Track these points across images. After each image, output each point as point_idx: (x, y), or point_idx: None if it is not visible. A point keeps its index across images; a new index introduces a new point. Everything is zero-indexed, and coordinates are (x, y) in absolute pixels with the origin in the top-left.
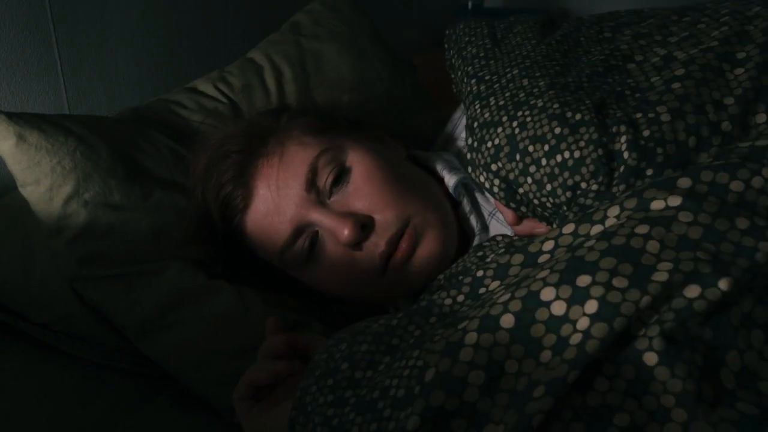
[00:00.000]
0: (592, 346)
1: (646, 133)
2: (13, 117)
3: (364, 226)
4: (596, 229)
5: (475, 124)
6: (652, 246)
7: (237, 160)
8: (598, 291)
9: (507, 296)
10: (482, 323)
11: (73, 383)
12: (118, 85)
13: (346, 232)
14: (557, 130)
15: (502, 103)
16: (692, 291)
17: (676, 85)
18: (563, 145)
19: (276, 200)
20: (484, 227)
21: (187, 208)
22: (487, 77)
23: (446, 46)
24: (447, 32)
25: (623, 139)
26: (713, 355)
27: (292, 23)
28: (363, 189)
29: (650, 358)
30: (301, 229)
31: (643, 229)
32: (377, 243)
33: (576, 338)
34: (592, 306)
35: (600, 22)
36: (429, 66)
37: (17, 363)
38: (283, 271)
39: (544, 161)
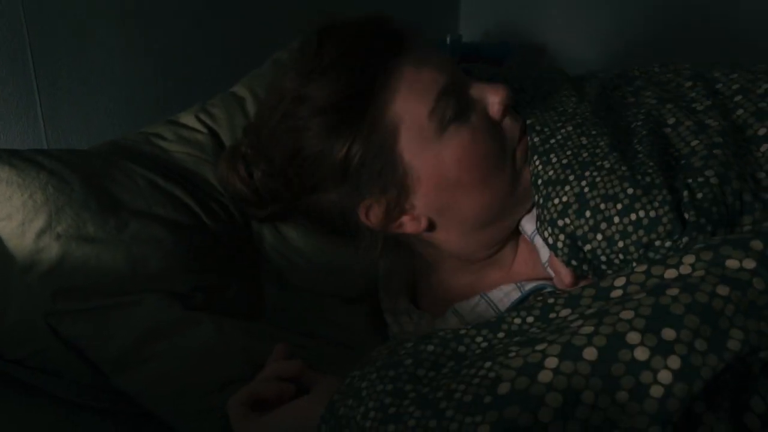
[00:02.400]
0: (673, 406)
1: (699, 195)
2: None
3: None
4: (671, 273)
5: (539, 181)
6: (729, 309)
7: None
8: (682, 349)
9: (591, 329)
10: (564, 350)
11: (48, 424)
12: (98, 124)
13: (503, 90)
14: (629, 191)
15: (565, 161)
16: (755, 367)
17: (717, 152)
18: (637, 205)
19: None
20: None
21: (165, 237)
22: (537, 127)
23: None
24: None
25: (685, 199)
26: (738, 400)
27: (274, 59)
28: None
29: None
30: (449, 91)
31: (723, 291)
32: (514, 125)
33: (657, 391)
34: (674, 362)
35: (618, 86)
36: None
37: None
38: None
39: (616, 219)
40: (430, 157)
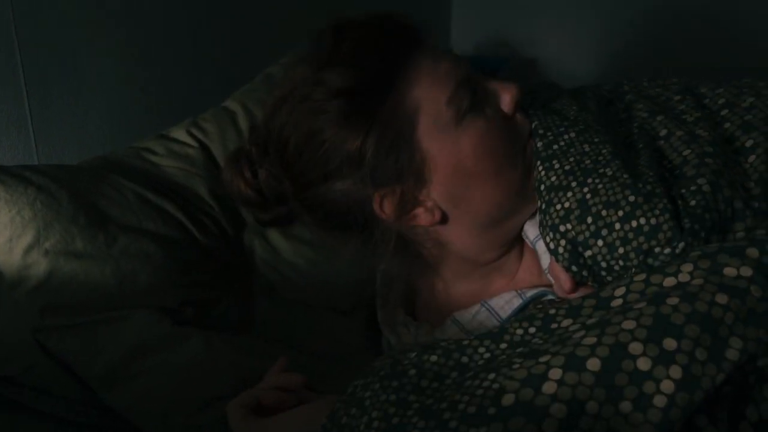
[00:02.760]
0: (676, 415)
1: (692, 202)
2: None
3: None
4: (669, 281)
5: (542, 187)
6: (729, 317)
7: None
8: (683, 359)
9: (593, 339)
10: (568, 361)
11: None
12: (90, 139)
13: (514, 87)
14: (631, 198)
15: (568, 168)
16: (752, 376)
17: (708, 160)
18: (638, 212)
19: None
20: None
21: (155, 252)
22: (540, 131)
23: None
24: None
25: (680, 207)
26: (736, 409)
27: (265, 74)
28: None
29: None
30: (466, 82)
31: (722, 299)
32: (524, 122)
33: (660, 401)
34: (676, 372)
35: (611, 101)
36: None
37: None
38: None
39: (617, 225)
40: (448, 144)
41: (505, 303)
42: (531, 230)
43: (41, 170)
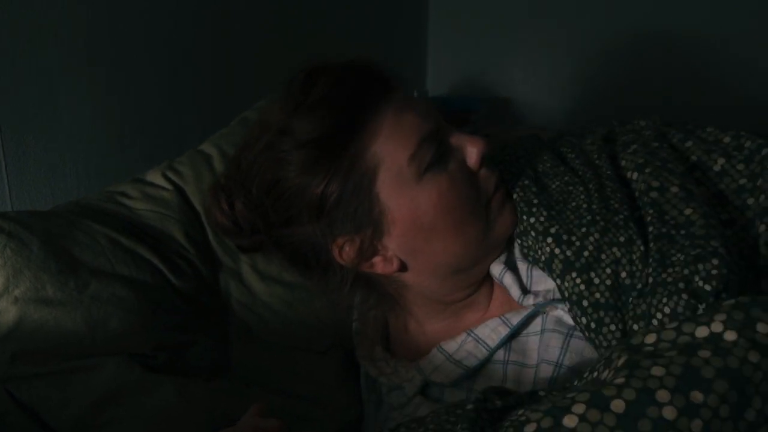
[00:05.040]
0: None
1: (715, 262)
2: None
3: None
4: (702, 331)
5: (585, 303)
6: (757, 376)
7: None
8: (706, 414)
9: (622, 380)
10: (592, 398)
11: None
12: (64, 184)
13: (480, 142)
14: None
15: (609, 283)
16: None
17: (713, 221)
18: (671, 289)
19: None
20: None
21: (127, 296)
22: (564, 236)
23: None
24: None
25: (702, 271)
26: None
27: (241, 119)
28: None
29: None
30: (430, 137)
31: (754, 357)
32: (489, 176)
33: None
34: (697, 426)
35: (591, 163)
36: None
37: None
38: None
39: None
40: (406, 200)
41: (491, 332)
42: (495, 267)
43: (11, 217)
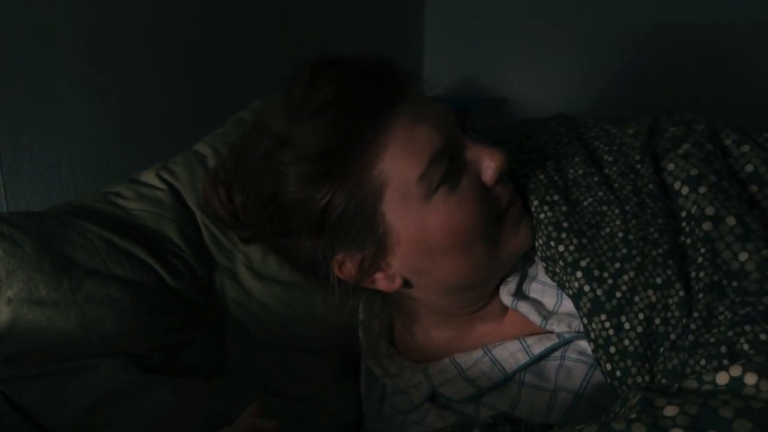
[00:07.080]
0: None
1: (765, 326)
2: None
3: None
4: (722, 377)
5: (614, 350)
6: None
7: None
8: None
9: (633, 415)
10: (600, 430)
11: None
12: (60, 184)
13: (500, 156)
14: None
15: (640, 330)
16: None
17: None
18: (693, 327)
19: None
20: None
21: (121, 297)
22: (596, 273)
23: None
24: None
25: (750, 333)
26: None
27: (236, 119)
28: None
29: None
30: (442, 153)
31: None
32: (504, 189)
33: None
34: None
35: (634, 148)
36: None
37: None
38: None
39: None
40: (413, 221)
41: (510, 356)
42: (506, 298)
43: (4, 218)
